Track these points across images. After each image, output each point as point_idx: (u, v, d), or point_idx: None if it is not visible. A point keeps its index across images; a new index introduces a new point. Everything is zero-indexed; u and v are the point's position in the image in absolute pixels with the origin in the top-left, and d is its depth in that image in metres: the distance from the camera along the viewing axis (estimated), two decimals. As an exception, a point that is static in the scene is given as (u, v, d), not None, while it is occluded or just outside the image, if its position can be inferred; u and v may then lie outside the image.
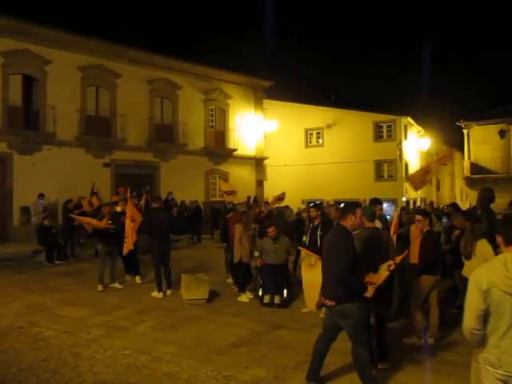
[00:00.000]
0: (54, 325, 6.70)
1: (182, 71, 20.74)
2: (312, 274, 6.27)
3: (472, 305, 2.88)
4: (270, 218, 11.02)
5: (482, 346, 2.93)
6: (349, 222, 4.57)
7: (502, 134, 28.68)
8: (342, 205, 5.87)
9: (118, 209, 10.37)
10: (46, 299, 8.38)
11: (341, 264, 4.33)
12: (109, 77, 18.31)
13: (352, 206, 4.75)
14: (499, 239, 2.98)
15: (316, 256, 6.36)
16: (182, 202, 18.38)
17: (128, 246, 9.12)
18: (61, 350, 5.68)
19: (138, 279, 9.95)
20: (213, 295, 8.40)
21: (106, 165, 18.12)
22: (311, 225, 7.61)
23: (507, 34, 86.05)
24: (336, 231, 4.74)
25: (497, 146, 29.00)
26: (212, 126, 22.36)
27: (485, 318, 2.86)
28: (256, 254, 8.32)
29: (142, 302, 8.26)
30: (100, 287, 9.13)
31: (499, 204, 11.07)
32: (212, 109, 22.36)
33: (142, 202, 15.51)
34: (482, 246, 5.74)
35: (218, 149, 22.27)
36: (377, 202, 6.97)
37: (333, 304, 4.45)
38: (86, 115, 17.61)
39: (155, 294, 8.66)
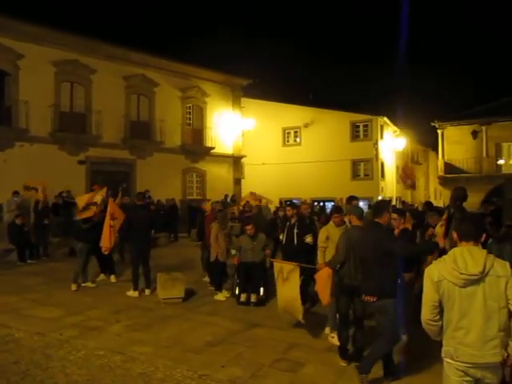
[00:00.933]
0: (25, 326, 6.54)
1: (159, 68, 20.52)
2: (287, 288, 6.18)
3: (427, 297, 3.06)
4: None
5: (441, 339, 3.07)
6: (384, 219, 4.82)
7: (474, 134, 29.32)
8: (375, 203, 6.00)
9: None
10: (17, 299, 8.17)
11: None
12: (84, 72, 17.99)
13: (386, 204, 5.29)
14: (454, 235, 3.14)
15: (289, 266, 6.26)
16: (159, 200, 18.22)
17: (104, 243, 8.96)
18: (32, 351, 5.55)
19: (112, 278, 9.81)
20: (189, 294, 8.34)
21: (80, 162, 17.82)
22: (288, 223, 7.62)
23: (483, 35, 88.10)
24: (374, 228, 4.82)
25: (470, 147, 29.62)
26: (189, 124, 22.21)
27: (441, 310, 3.02)
28: (233, 252, 8.32)
29: (117, 301, 8.14)
30: (74, 287, 8.96)
31: (472, 203, 11.29)
32: (189, 106, 22.21)
33: (118, 200, 15.29)
34: None
35: (196, 147, 22.14)
36: (353, 198, 7.11)
37: (374, 299, 4.58)
38: (60, 111, 17.28)
39: (131, 292, 8.55)
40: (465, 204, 7.27)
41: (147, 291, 8.65)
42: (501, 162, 28.99)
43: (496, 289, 2.89)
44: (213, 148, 22.56)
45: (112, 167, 18.64)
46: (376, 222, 4.83)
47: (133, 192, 18.52)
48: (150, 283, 8.76)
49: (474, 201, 12.28)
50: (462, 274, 2.90)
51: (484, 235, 3.10)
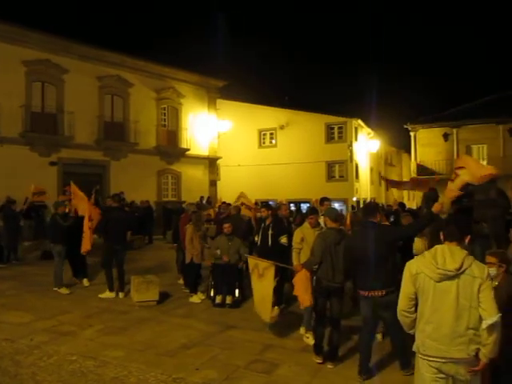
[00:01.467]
0: (-6, 332, 6.36)
1: (133, 68, 20.30)
2: (262, 284, 6.18)
3: (404, 289, 3.22)
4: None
5: (414, 333, 3.18)
6: (377, 218, 5.16)
7: (445, 137, 30.00)
8: (365, 205, 6.22)
9: (65, 209, 9.97)
10: (-15, 305, 7.93)
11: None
12: (56, 72, 17.64)
13: (376, 204, 6.02)
14: (442, 236, 3.23)
15: (265, 263, 6.24)
16: (133, 202, 17.98)
17: (85, 245, 8.79)
18: (0, 358, 5.39)
19: (85, 282, 9.62)
20: (164, 297, 8.27)
21: (52, 163, 17.45)
22: (262, 224, 7.64)
23: (455, 40, 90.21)
24: (371, 227, 4.99)
25: (441, 149, 30.27)
26: (164, 125, 22.03)
27: (416, 303, 3.13)
28: (218, 251, 8.14)
29: (90, 305, 8.00)
30: (65, 290, 8.78)
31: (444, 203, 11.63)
32: (164, 107, 22.02)
33: (91, 202, 15.02)
34: (418, 242, 6.01)
35: (171, 148, 21.97)
36: (324, 199, 7.21)
37: (383, 293, 4.66)
38: (30, 111, 16.88)
39: (106, 294, 8.44)
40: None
41: (121, 294, 8.53)
42: (471, 163, 29.68)
43: (470, 288, 2.98)
44: (188, 149, 22.43)
45: (85, 169, 18.30)
46: (371, 222, 5.02)
47: (106, 194, 18.26)
48: (123, 286, 8.65)
49: (446, 201, 12.59)
50: (438, 268, 3.01)
51: (468, 237, 3.20)
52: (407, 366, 4.73)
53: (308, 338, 6.01)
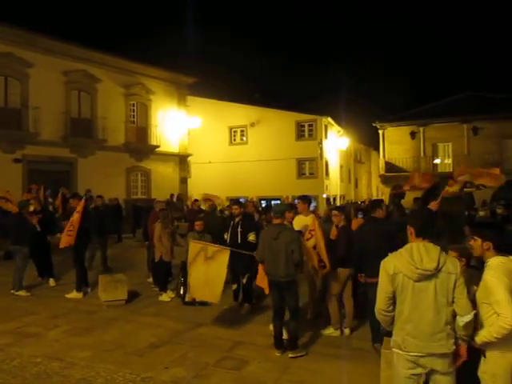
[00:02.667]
0: (-46, 335, 6.14)
1: (101, 63, 19.86)
2: (209, 267, 6.30)
3: (382, 288, 3.21)
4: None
5: (392, 330, 3.21)
6: (380, 213, 5.78)
7: (413, 135, 30.69)
8: (370, 202, 6.64)
9: (31, 208, 9.70)
10: None
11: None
12: (20, 66, 17.06)
13: (379, 202, 6.30)
14: (410, 230, 3.26)
15: (215, 247, 6.47)
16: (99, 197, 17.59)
17: (69, 240, 8.35)
18: (-39, 361, 5.22)
19: (51, 282, 9.39)
20: (132, 296, 8.17)
21: (16, 160, 16.90)
22: (232, 222, 7.63)
23: (423, 40, 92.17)
24: (375, 222, 5.74)
25: (409, 146, 30.96)
26: (133, 122, 21.67)
27: (394, 301, 3.15)
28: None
29: (56, 305, 7.81)
30: (24, 293, 8.49)
31: (410, 200, 11.88)
32: (133, 104, 21.66)
33: (58, 201, 14.71)
34: None
35: (140, 145, 21.64)
36: (305, 197, 7.25)
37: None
38: (-8, 107, 16.33)
39: (74, 294, 8.30)
40: (402, 201, 7.62)
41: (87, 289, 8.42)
42: (437, 161, 30.51)
43: (446, 285, 3.06)
44: (158, 146, 22.16)
45: (51, 166, 17.83)
46: (374, 217, 5.83)
47: (74, 192, 17.87)
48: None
49: (411, 198, 12.88)
50: (417, 268, 3.05)
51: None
52: (380, 340, 4.82)
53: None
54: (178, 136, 23.73)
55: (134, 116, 21.70)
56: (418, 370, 3.09)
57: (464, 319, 3.02)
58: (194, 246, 6.55)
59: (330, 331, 6.22)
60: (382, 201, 6.30)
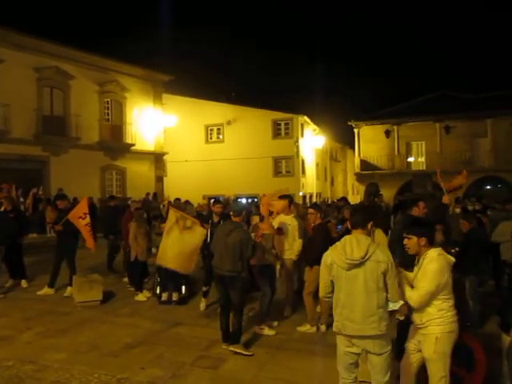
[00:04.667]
0: None
1: (74, 60, 19.52)
2: (189, 237, 6.46)
3: (322, 278, 3.62)
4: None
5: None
6: (415, 211, 5.73)
7: (387, 133, 31.17)
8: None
9: (2, 207, 9.44)
10: None
11: None
12: (-12, 62, 16.64)
13: (415, 200, 6.17)
14: (348, 225, 3.69)
15: (193, 219, 6.74)
16: (75, 198, 17.31)
17: (90, 244, 8.58)
18: None
19: (23, 283, 9.17)
20: (108, 296, 8.06)
21: (-15, 159, 16.49)
22: (210, 221, 7.59)
23: (400, 39, 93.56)
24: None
25: (383, 145, 31.44)
26: (108, 120, 21.38)
27: (333, 288, 3.54)
28: (154, 250, 8.12)
29: (29, 307, 7.62)
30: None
31: (386, 197, 12.10)
32: (108, 101, 21.37)
33: (29, 200, 14.42)
34: (379, 234, 6.22)
35: (115, 143, 21.37)
36: (343, 198, 7.31)
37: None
38: (-39, 104, 15.86)
39: (45, 290, 8.21)
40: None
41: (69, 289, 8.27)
42: (410, 159, 31.10)
43: (376, 272, 3.36)
44: (133, 145, 21.92)
45: (22, 165, 17.44)
46: (408, 214, 5.91)
47: (47, 191, 17.53)
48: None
49: (387, 195, 13.13)
50: (347, 258, 3.39)
51: (371, 223, 3.62)
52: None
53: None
54: (154, 134, 23.53)
55: (108, 114, 21.42)
56: (354, 349, 3.45)
57: (391, 306, 3.40)
58: (173, 214, 6.62)
59: (306, 328, 6.28)
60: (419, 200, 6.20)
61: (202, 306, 7.38)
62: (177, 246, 6.46)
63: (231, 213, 5.90)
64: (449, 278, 3.50)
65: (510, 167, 26.36)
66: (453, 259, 3.61)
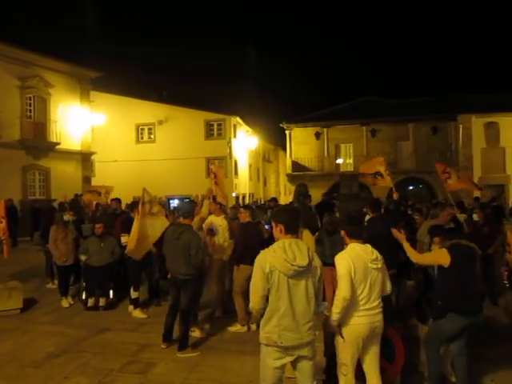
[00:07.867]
0: None
1: (-8, 52, 18.23)
2: (150, 222, 6.39)
3: (257, 286, 3.22)
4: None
5: (263, 327, 3.30)
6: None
7: (317, 136, 32.12)
8: (371, 201, 6.98)
9: None
10: None
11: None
12: None
13: (380, 202, 6.99)
14: (279, 227, 3.34)
15: (160, 208, 6.81)
16: (-7, 201, 16.19)
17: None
18: None
19: None
20: (29, 303, 7.60)
21: None
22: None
23: (335, 44, 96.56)
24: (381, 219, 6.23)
25: (314, 146, 32.37)
26: (30, 117, 20.15)
27: (267, 299, 3.23)
28: (83, 257, 7.65)
29: None
30: None
31: (315, 197, 12.43)
32: (30, 97, 20.13)
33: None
34: (306, 235, 6.37)
35: (38, 142, 20.19)
36: (273, 199, 7.30)
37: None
38: None
39: None
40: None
41: None
42: (339, 161, 32.26)
43: (315, 277, 3.30)
44: (58, 144, 20.84)
45: None
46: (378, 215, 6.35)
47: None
48: None
49: (316, 195, 13.49)
50: (292, 265, 3.16)
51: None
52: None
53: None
54: (81, 133, 22.51)
55: (30, 110, 20.18)
56: (286, 360, 3.26)
57: (321, 308, 3.46)
58: (148, 195, 6.76)
59: (236, 328, 6.30)
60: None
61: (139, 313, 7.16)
62: (136, 227, 6.29)
63: (180, 213, 5.81)
64: None
65: (429, 169, 28.14)
66: None
